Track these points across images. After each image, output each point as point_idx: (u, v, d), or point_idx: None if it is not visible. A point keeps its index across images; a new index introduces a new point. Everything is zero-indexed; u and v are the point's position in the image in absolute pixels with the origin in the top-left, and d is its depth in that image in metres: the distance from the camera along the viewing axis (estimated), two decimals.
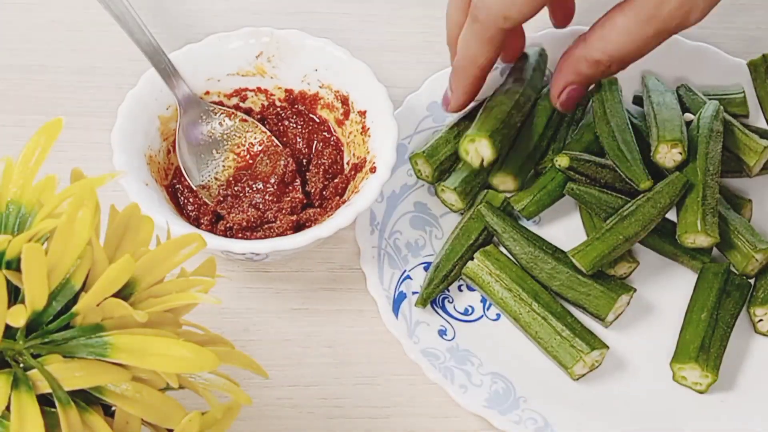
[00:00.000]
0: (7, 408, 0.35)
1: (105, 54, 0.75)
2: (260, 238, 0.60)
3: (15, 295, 0.38)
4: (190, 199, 0.63)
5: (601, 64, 0.59)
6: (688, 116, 0.67)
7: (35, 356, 0.37)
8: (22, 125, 0.71)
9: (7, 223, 0.40)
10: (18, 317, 0.35)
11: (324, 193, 0.64)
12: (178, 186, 0.64)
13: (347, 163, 0.65)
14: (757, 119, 0.70)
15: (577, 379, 0.60)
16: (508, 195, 0.66)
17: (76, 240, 0.38)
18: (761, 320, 0.62)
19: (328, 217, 0.60)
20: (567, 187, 0.64)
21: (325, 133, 0.67)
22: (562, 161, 0.64)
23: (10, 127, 0.71)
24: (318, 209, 0.63)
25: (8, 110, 0.72)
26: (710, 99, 0.68)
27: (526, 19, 0.58)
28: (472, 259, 0.63)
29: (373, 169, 0.61)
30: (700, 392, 0.60)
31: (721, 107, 0.67)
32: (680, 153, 0.63)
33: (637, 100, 0.71)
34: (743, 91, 0.70)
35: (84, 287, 0.38)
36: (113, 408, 0.39)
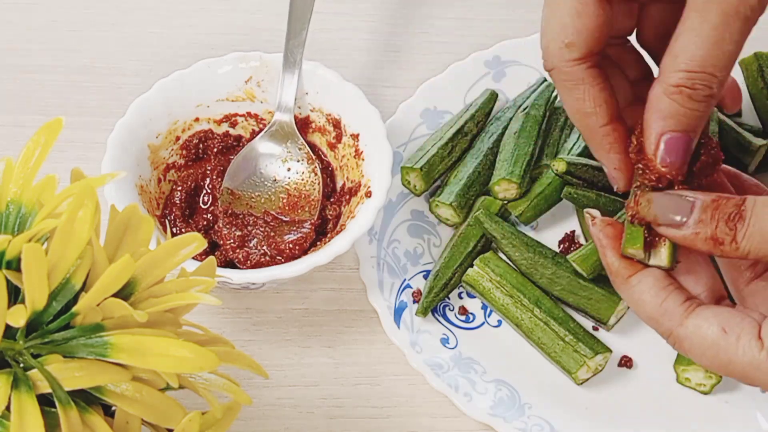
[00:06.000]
0: (7, 408, 0.35)
1: (105, 54, 0.75)
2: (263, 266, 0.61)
3: (15, 295, 0.38)
4: (183, 230, 0.63)
5: (686, 89, 0.43)
6: None
7: (35, 356, 0.37)
8: (22, 125, 0.71)
9: (7, 223, 0.40)
10: (18, 317, 0.35)
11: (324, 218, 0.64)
12: (170, 217, 0.64)
13: (340, 187, 0.65)
14: (750, 117, 0.70)
15: (581, 384, 0.60)
16: (506, 201, 0.66)
17: (76, 240, 0.37)
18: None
19: (326, 242, 0.60)
20: (564, 191, 0.64)
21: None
22: (559, 166, 0.64)
23: (10, 127, 0.71)
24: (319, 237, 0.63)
25: (8, 110, 0.72)
26: None
27: (592, 37, 0.46)
28: (471, 266, 0.63)
29: (368, 194, 0.61)
30: (705, 393, 0.60)
31: (716, 107, 0.67)
32: None
33: None
34: None
35: (84, 287, 0.38)
36: (113, 408, 0.39)
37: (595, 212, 0.47)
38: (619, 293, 0.46)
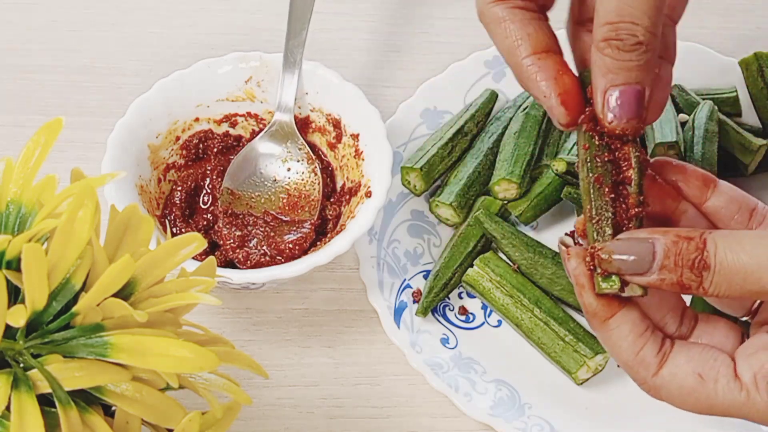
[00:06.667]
0: (7, 408, 0.35)
1: (105, 54, 0.75)
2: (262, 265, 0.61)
3: (15, 295, 0.38)
4: (183, 230, 0.63)
5: (613, 41, 0.42)
6: (683, 117, 0.67)
7: (35, 356, 0.37)
8: (22, 125, 0.71)
9: (7, 223, 0.40)
10: (18, 317, 0.35)
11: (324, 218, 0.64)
12: (170, 217, 0.64)
13: (340, 187, 0.65)
14: (750, 117, 0.70)
15: (581, 384, 0.60)
16: (506, 201, 0.66)
17: (76, 240, 0.37)
18: None
19: (326, 242, 0.60)
20: (564, 191, 0.64)
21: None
22: (559, 166, 0.64)
23: (10, 127, 0.71)
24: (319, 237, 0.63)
25: (8, 110, 0.72)
26: (703, 99, 0.68)
27: None
28: (471, 266, 0.63)
29: (368, 194, 0.61)
30: None
31: (716, 107, 0.67)
32: (676, 155, 0.63)
33: None
34: (736, 90, 0.70)
35: (84, 287, 0.38)
36: (113, 408, 0.39)
37: (569, 240, 0.44)
38: (595, 334, 0.45)
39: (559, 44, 0.46)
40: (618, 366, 0.51)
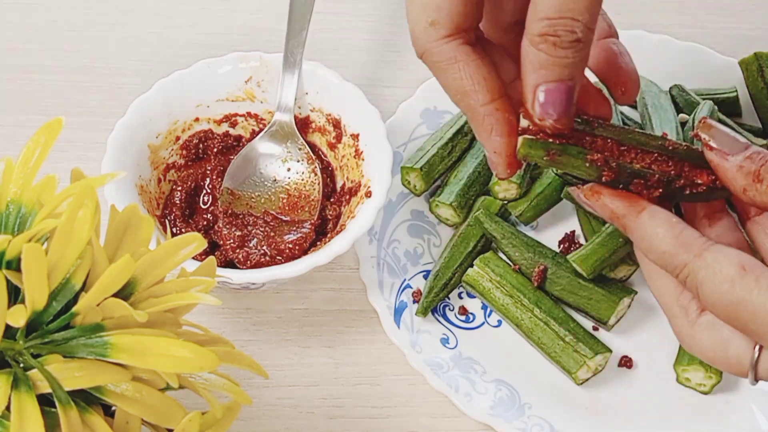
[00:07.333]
0: (7, 408, 0.35)
1: (105, 54, 0.75)
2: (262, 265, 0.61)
3: (15, 295, 0.38)
4: (183, 230, 0.63)
5: (549, 37, 0.41)
6: (683, 117, 0.67)
7: (35, 356, 0.37)
8: (22, 125, 0.71)
9: (7, 223, 0.40)
10: (18, 317, 0.35)
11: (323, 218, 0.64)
12: (170, 217, 0.64)
13: (340, 187, 0.65)
14: (750, 117, 0.70)
15: (581, 384, 0.60)
16: (506, 201, 0.66)
17: (76, 240, 0.38)
18: None
19: (326, 242, 0.60)
20: (564, 192, 0.64)
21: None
22: None
23: (10, 127, 0.71)
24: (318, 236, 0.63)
25: (8, 110, 0.72)
26: (703, 99, 0.68)
27: (459, 17, 0.44)
28: (471, 266, 0.63)
29: (368, 194, 0.61)
30: (705, 393, 0.60)
31: (716, 107, 0.67)
32: None
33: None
34: (736, 91, 0.70)
35: (84, 287, 0.38)
36: (113, 408, 0.39)
37: (577, 189, 0.46)
38: (628, 234, 0.45)
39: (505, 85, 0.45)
40: (652, 261, 0.47)
